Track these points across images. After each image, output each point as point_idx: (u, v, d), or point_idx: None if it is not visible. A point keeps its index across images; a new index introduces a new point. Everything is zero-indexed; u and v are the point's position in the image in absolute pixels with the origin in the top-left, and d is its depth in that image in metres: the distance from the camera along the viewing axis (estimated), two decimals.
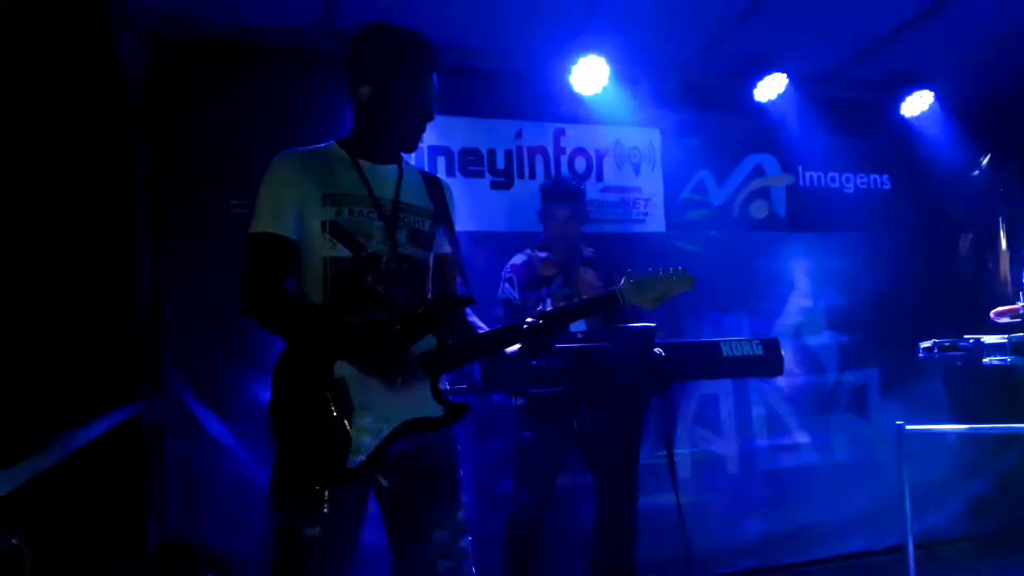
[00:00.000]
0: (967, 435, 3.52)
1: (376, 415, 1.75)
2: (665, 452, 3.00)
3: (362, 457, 1.72)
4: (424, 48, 1.91)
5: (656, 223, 4.16)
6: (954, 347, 3.34)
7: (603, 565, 3.02)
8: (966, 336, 3.41)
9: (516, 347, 2.03)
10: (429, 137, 3.67)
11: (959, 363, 3.36)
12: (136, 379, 3.05)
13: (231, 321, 1.98)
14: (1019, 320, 3.11)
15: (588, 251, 3.47)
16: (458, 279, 2.11)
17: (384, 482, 1.80)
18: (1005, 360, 3.31)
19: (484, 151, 3.85)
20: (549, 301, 3.14)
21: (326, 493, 1.73)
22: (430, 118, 1.93)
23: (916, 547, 3.44)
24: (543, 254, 3.39)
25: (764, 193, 4.40)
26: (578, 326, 3.24)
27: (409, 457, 1.85)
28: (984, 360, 3.37)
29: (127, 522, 2.88)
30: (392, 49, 1.88)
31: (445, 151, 3.76)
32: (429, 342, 1.84)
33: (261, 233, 1.83)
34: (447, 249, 2.05)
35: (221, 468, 3.22)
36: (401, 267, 1.90)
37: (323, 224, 1.83)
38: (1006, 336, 3.31)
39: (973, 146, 4.81)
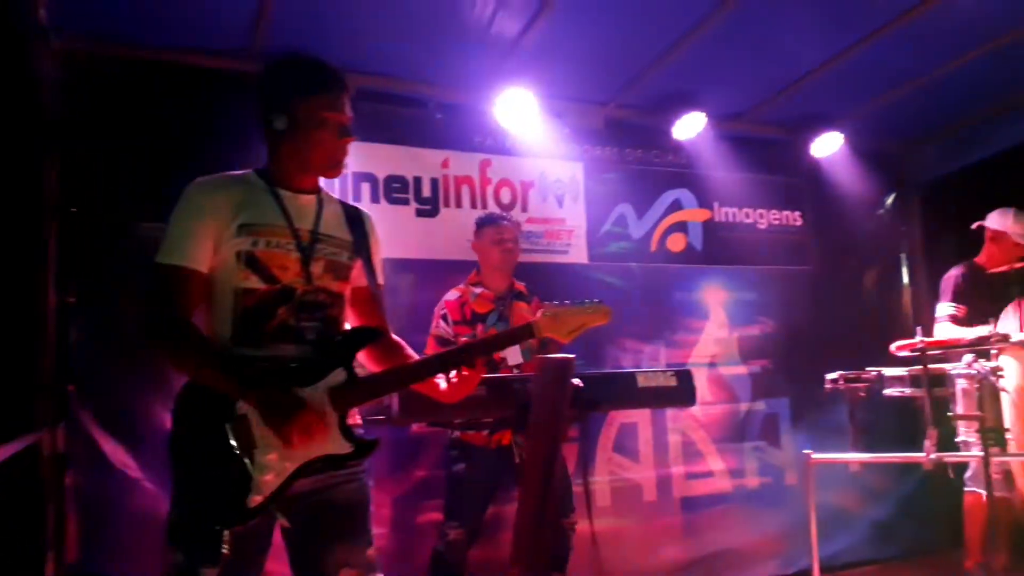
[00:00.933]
0: (870, 463, 3.68)
1: (280, 452, 1.71)
2: (582, 481, 3.02)
3: (263, 496, 1.68)
4: (334, 74, 1.91)
5: (579, 254, 4.23)
6: (857, 379, 3.50)
7: None
8: (869, 368, 3.58)
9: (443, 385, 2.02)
10: (354, 163, 3.69)
11: (862, 394, 3.51)
12: (38, 407, 2.91)
13: (140, 349, 1.91)
14: (917, 354, 3.27)
15: (522, 284, 3.50)
16: (377, 311, 2.09)
17: (286, 522, 1.76)
18: (904, 391, 3.49)
19: (410, 178, 3.85)
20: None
21: (225, 533, 1.67)
22: (348, 141, 1.92)
23: (822, 571, 3.56)
24: (477, 289, 3.41)
25: (681, 227, 4.54)
26: (515, 360, 3.32)
27: (315, 495, 1.82)
28: (885, 391, 3.54)
29: (25, 555, 2.75)
30: (303, 77, 1.88)
31: (370, 177, 3.75)
32: (340, 376, 1.81)
33: (168, 265, 1.78)
34: (365, 281, 2.03)
35: (126, 501, 3.09)
36: (316, 300, 1.87)
37: (238, 254, 1.80)
38: (906, 369, 3.49)
39: (879, 185, 5.07)
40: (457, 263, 3.63)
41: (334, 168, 1.95)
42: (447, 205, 3.92)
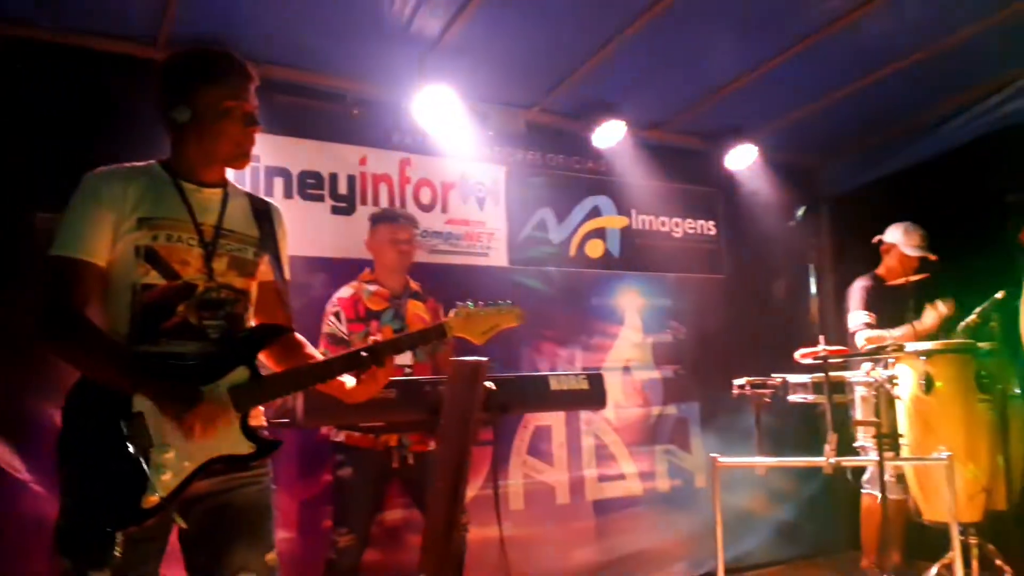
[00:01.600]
0: (774, 466, 3.80)
1: (178, 451, 1.65)
2: (493, 485, 3.01)
3: (159, 496, 1.62)
4: (237, 62, 1.86)
5: (499, 257, 4.23)
6: (763, 385, 3.60)
7: None
8: (774, 375, 3.70)
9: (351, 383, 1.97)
10: (267, 157, 3.59)
11: (767, 399, 3.62)
12: None
13: (30, 343, 1.81)
14: (820, 362, 3.39)
15: (416, 284, 3.45)
16: (281, 309, 2.03)
17: (182, 523, 1.69)
18: (807, 397, 3.61)
19: (326, 175, 3.77)
20: (379, 335, 3.10)
21: (118, 536, 1.59)
22: (254, 130, 1.87)
23: (730, 572, 3.65)
24: (372, 287, 3.34)
25: (600, 233, 4.60)
26: (404, 359, 3.27)
27: (215, 496, 1.77)
28: (789, 397, 3.66)
29: None
30: (205, 66, 1.83)
31: (283, 172, 3.65)
32: (242, 375, 1.76)
33: (62, 257, 1.70)
34: (271, 277, 1.98)
35: (13, 504, 2.92)
36: (219, 297, 1.82)
37: (136, 249, 1.73)
38: (809, 376, 3.62)
39: (790, 198, 5.23)
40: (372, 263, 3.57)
41: (241, 159, 1.90)
42: (364, 203, 3.85)
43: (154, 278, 1.74)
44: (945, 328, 3.94)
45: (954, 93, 4.33)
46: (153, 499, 1.61)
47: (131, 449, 1.61)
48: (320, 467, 3.50)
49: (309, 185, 3.72)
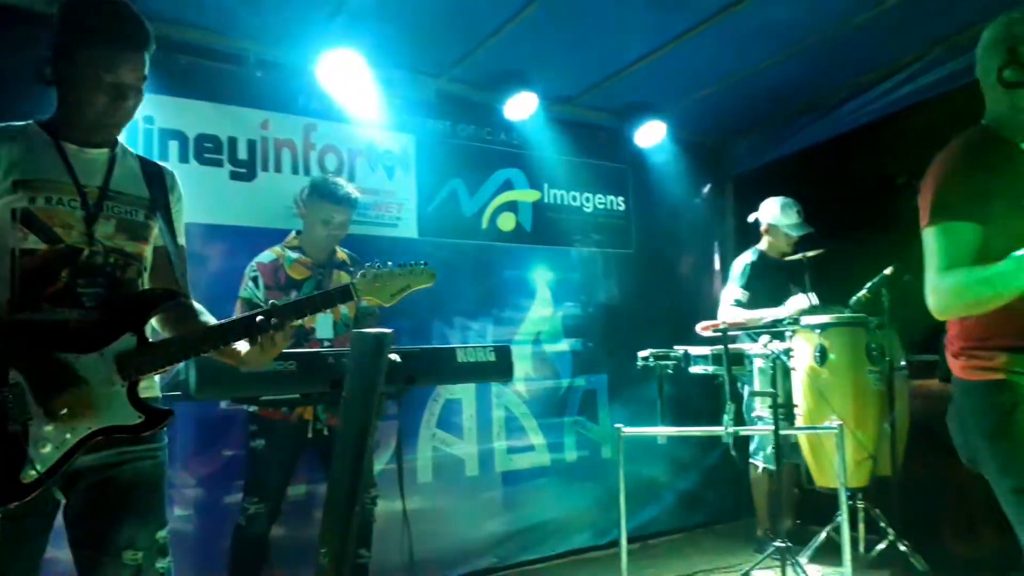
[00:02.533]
0: (677, 436, 3.90)
1: (59, 423, 1.57)
2: (398, 458, 2.98)
3: (39, 470, 1.53)
4: (125, 20, 1.72)
5: (408, 228, 4.16)
6: (666, 356, 3.69)
7: (330, 573, 2.94)
8: (676, 347, 3.79)
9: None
10: (161, 119, 3.41)
11: (670, 370, 3.71)
12: None
13: None
14: (719, 334, 3.49)
15: (347, 253, 3.35)
16: (174, 274, 1.93)
17: (60, 497, 1.61)
18: (707, 369, 3.71)
19: (224, 139, 3.60)
20: None
21: None
22: (122, 105, 1.73)
23: (632, 540, 3.74)
24: (295, 254, 3.21)
25: (512, 207, 4.57)
26: (325, 333, 3.18)
27: (102, 471, 1.69)
28: (691, 368, 3.76)
29: None
30: (87, 23, 1.69)
31: (179, 135, 3.46)
32: (129, 342, 1.68)
33: None
34: (164, 242, 1.88)
35: None
36: (106, 261, 1.73)
37: (13, 212, 1.64)
38: (709, 348, 3.72)
39: (696, 176, 5.36)
40: (276, 232, 3.44)
41: (107, 129, 1.78)
42: (265, 169, 3.70)
43: (33, 243, 1.65)
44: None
45: (851, 77, 4.48)
46: (32, 474, 1.53)
47: (9, 422, 1.53)
48: (221, 441, 3.39)
49: (207, 149, 3.54)
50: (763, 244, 4.40)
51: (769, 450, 3.98)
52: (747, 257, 4.36)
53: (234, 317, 1.87)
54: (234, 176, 3.62)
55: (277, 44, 3.63)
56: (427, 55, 3.94)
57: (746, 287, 4.24)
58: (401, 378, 2.63)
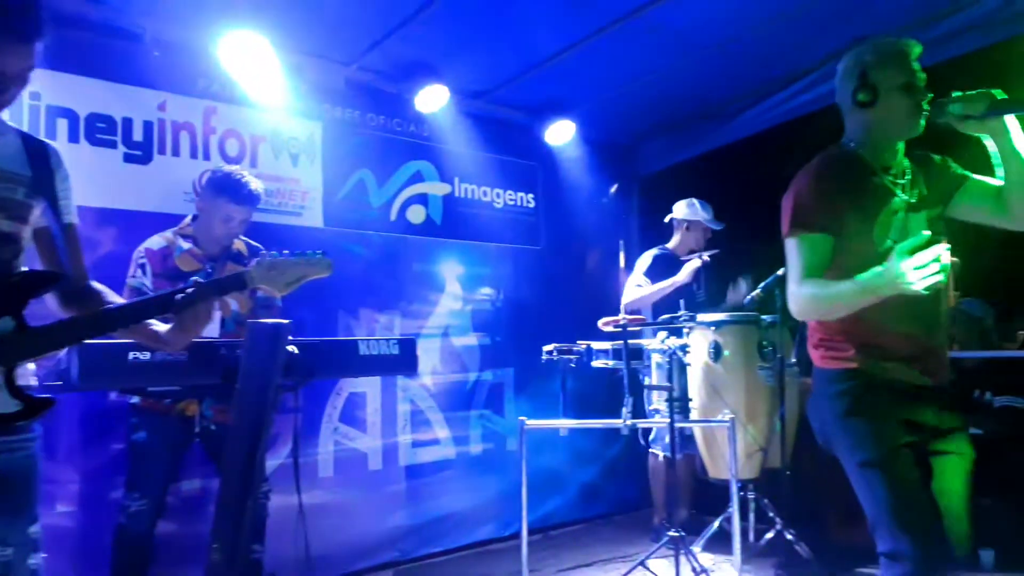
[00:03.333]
0: (579, 428, 3.98)
1: None
2: (294, 452, 2.92)
3: None
4: (9, 9, 1.62)
5: (313, 218, 4.07)
6: (569, 351, 3.75)
7: (223, 568, 2.86)
8: (579, 341, 3.86)
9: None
10: (50, 96, 3.24)
11: (573, 364, 3.78)
12: None
13: None
14: (620, 330, 3.57)
15: (244, 243, 3.20)
16: (63, 257, 1.85)
17: None
18: (608, 363, 3.80)
19: (118, 119, 3.44)
20: None
21: None
22: (5, 90, 1.65)
23: (534, 532, 3.79)
24: (187, 243, 3.05)
25: (422, 199, 4.55)
26: (210, 331, 3.06)
27: None
28: (592, 362, 3.84)
29: None
30: None
31: (68, 113, 3.28)
32: (6, 325, 1.62)
33: None
34: (48, 223, 1.80)
35: None
36: None
37: None
38: (610, 343, 3.81)
39: (605, 175, 5.46)
40: (173, 217, 3.30)
41: None
42: (163, 152, 3.55)
43: None
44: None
45: (753, 85, 4.65)
46: None
47: None
48: (107, 434, 3.25)
49: (99, 130, 3.38)
50: (672, 242, 4.56)
51: (666, 440, 4.13)
52: (654, 251, 4.57)
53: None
54: (128, 159, 3.46)
55: (176, 23, 3.49)
56: (336, 42, 3.87)
57: (648, 275, 4.41)
58: (299, 371, 2.59)
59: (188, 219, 3.14)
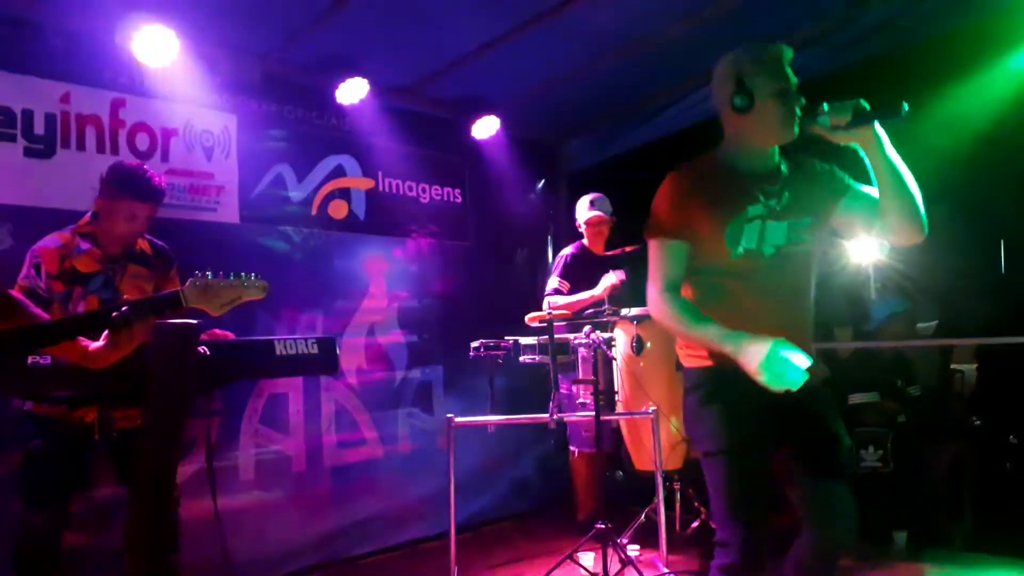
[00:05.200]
0: (507, 424, 3.96)
1: None
2: (207, 457, 2.82)
3: None
4: None
5: (229, 213, 3.94)
6: (497, 346, 3.74)
7: None
8: (507, 337, 3.84)
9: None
10: None
11: (500, 360, 3.77)
12: None
13: None
14: (545, 325, 3.57)
15: (149, 242, 3.01)
16: None
17: None
18: (535, 358, 3.80)
19: (18, 111, 3.25)
20: (82, 304, 2.72)
21: None
22: None
23: (464, 530, 3.76)
24: (85, 244, 2.86)
25: (344, 194, 4.46)
26: None
27: None
28: (520, 358, 3.83)
29: None
30: None
31: None
32: None
33: None
34: None
35: None
36: None
37: None
38: (536, 338, 3.81)
39: (531, 171, 5.47)
40: (77, 214, 3.13)
41: None
42: (66, 146, 3.38)
43: None
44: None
45: (676, 81, 4.71)
46: None
47: None
48: (9, 444, 3.07)
49: None
50: (585, 239, 4.56)
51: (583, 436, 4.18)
52: (570, 250, 4.54)
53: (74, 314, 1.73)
54: (29, 152, 3.28)
55: (78, 11, 3.31)
56: (252, 33, 3.74)
57: (564, 277, 4.41)
58: (212, 373, 2.50)
59: (87, 217, 2.95)
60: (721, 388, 2.05)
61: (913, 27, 3.86)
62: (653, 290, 2.06)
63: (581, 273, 4.39)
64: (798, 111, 2.01)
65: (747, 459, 2.00)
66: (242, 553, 3.58)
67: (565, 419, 3.69)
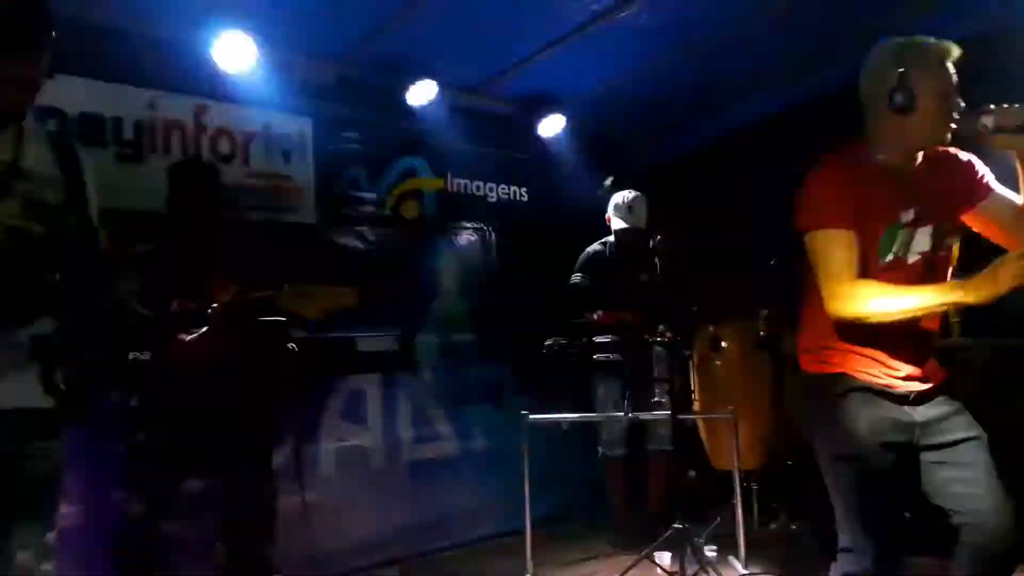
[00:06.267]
0: (580, 421, 3.95)
1: None
2: (295, 450, 2.90)
3: None
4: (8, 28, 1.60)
5: (307, 214, 4.04)
6: (570, 345, 3.73)
7: (236, 568, 2.85)
8: (580, 335, 3.83)
9: None
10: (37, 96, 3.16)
11: (574, 359, 3.75)
12: None
13: None
14: (620, 323, 3.55)
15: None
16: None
17: None
18: (609, 356, 3.78)
19: (108, 118, 3.40)
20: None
21: None
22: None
23: (538, 527, 3.75)
24: None
25: (416, 194, 4.52)
26: None
27: (1, 463, 1.60)
28: (595, 356, 3.82)
29: None
30: None
31: (57, 113, 3.24)
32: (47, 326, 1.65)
33: None
34: (75, 222, 1.80)
35: None
36: (11, 243, 1.64)
37: None
38: (610, 336, 3.79)
39: (598, 168, 5.42)
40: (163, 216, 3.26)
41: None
42: (154, 151, 3.52)
43: None
44: None
45: (742, 77, 4.58)
46: None
47: None
48: (109, 433, 3.19)
49: (89, 129, 3.33)
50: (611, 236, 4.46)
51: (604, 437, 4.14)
52: (592, 247, 4.43)
53: None
54: (120, 158, 3.43)
55: (164, 20, 3.43)
56: (327, 38, 3.82)
57: (581, 272, 4.30)
58: (300, 369, 2.57)
59: None
60: (845, 393, 1.95)
61: None
62: (838, 286, 1.88)
63: (602, 269, 4.30)
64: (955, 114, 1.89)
65: (875, 464, 1.90)
66: (322, 544, 3.65)
67: (647, 417, 3.66)
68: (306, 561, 3.03)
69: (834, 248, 1.90)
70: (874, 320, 1.87)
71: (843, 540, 1.94)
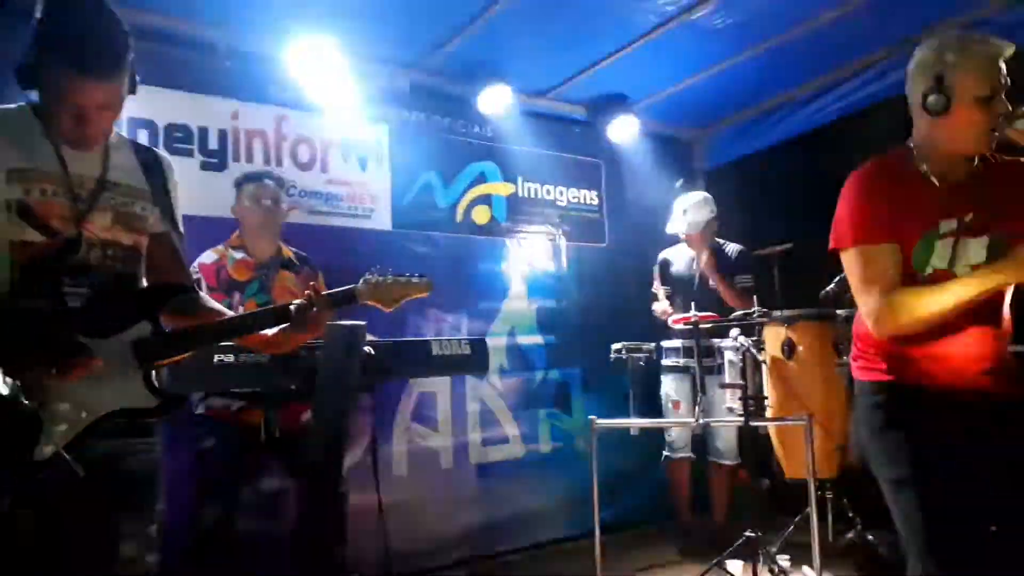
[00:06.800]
0: (648, 427, 3.93)
1: (73, 403, 1.59)
2: (372, 451, 2.97)
3: (52, 448, 1.55)
4: (93, 42, 1.61)
5: (382, 220, 4.14)
6: (638, 349, 3.71)
7: (309, 567, 2.93)
8: (649, 340, 3.81)
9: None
10: (130, 108, 3.30)
11: (642, 363, 3.73)
12: None
13: None
14: (691, 327, 3.52)
15: (293, 252, 3.30)
16: (177, 266, 1.91)
17: (80, 470, 1.59)
18: (678, 361, 3.75)
19: (195, 128, 3.56)
20: (241, 309, 2.96)
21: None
22: (88, 123, 1.65)
23: (606, 531, 3.74)
24: (238, 254, 3.16)
25: (486, 199, 4.57)
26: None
27: (107, 459, 1.68)
28: (663, 361, 3.79)
29: None
30: (57, 36, 1.60)
31: (148, 124, 3.42)
32: (144, 329, 1.71)
33: None
34: (161, 229, 1.86)
35: None
36: (104, 253, 1.72)
37: (8, 204, 1.60)
38: (680, 341, 3.75)
39: (669, 170, 5.38)
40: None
41: (79, 144, 1.71)
42: (237, 160, 3.66)
43: (32, 235, 1.62)
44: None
45: (820, 74, 4.53)
46: (48, 449, 1.55)
47: (23, 400, 1.52)
48: (189, 435, 3.34)
49: (177, 139, 3.50)
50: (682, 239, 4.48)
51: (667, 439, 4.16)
52: (660, 256, 4.50)
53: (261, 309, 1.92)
54: (205, 166, 3.58)
55: (246, 32, 3.58)
56: (401, 45, 3.92)
57: (664, 283, 4.33)
58: (375, 370, 2.63)
59: (235, 234, 3.26)
60: (904, 406, 1.83)
61: None
62: (872, 301, 1.80)
63: (672, 277, 4.34)
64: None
65: (946, 485, 1.74)
66: (393, 545, 3.72)
67: (717, 423, 3.61)
68: (379, 561, 3.09)
69: (861, 264, 1.84)
70: (922, 329, 1.78)
71: (911, 569, 1.80)
